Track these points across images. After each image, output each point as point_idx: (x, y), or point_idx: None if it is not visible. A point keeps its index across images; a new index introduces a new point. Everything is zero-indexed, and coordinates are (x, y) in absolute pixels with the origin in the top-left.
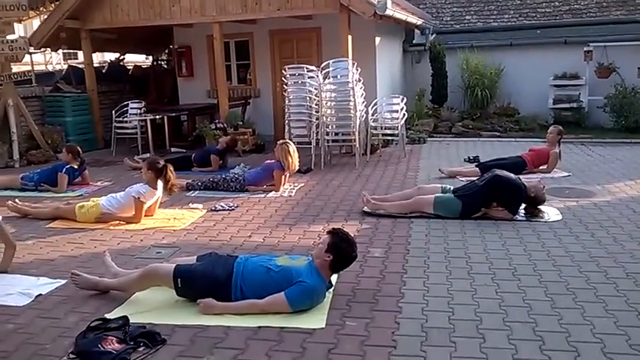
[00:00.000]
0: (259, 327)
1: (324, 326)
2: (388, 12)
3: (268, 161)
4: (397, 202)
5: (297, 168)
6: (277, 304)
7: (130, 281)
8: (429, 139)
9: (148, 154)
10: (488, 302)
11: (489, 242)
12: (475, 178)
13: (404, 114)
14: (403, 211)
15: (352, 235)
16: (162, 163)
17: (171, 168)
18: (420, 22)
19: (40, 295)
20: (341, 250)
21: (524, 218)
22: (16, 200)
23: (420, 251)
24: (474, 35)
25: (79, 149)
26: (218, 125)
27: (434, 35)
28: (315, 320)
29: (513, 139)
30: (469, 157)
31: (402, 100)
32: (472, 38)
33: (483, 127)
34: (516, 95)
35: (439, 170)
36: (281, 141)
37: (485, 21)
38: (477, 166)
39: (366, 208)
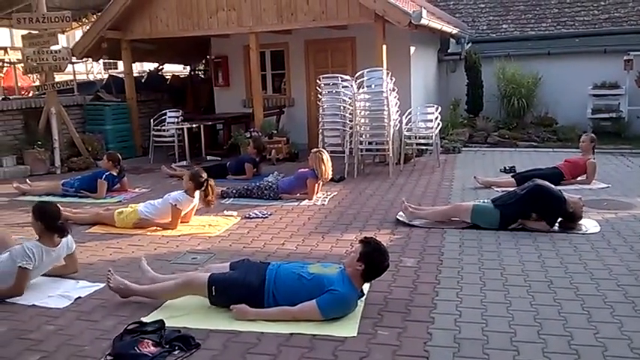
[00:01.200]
0: (291, 334)
1: (355, 335)
2: (423, 21)
3: (302, 170)
4: (434, 210)
5: (330, 176)
6: (309, 311)
7: (164, 290)
8: (463, 148)
9: (185, 162)
10: (523, 314)
11: (525, 254)
12: (512, 189)
13: (438, 123)
14: (440, 218)
15: (384, 244)
16: (204, 177)
17: (212, 183)
18: (455, 31)
19: (80, 297)
20: (373, 260)
21: (561, 230)
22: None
23: (453, 262)
24: (511, 44)
25: (119, 157)
26: (253, 134)
27: (469, 44)
28: (347, 329)
29: (551, 150)
30: (505, 168)
31: (437, 109)
32: (509, 47)
33: (520, 136)
34: (554, 105)
35: (474, 178)
36: (315, 149)
37: (522, 29)
38: (513, 176)
39: (400, 216)
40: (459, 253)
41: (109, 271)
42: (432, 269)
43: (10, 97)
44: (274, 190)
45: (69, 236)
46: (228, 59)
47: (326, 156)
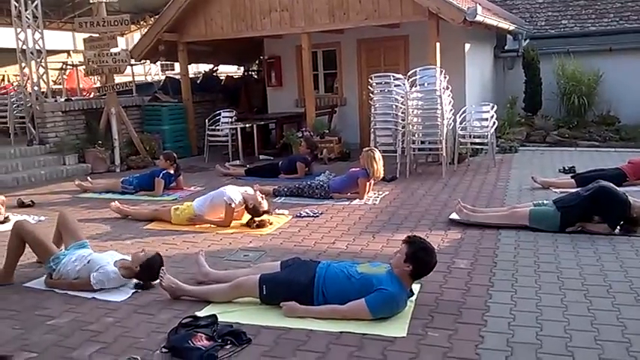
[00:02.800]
0: (341, 332)
1: (405, 335)
2: (478, 18)
3: (353, 169)
4: (491, 214)
5: (381, 175)
6: (358, 310)
7: (215, 293)
8: (520, 148)
9: (238, 161)
10: (580, 319)
11: (583, 257)
12: (573, 190)
13: (494, 122)
14: (497, 222)
15: (437, 245)
16: (262, 210)
17: (268, 221)
18: (512, 27)
19: (137, 291)
20: (420, 259)
21: (622, 233)
22: (116, 202)
23: (508, 264)
24: (571, 40)
25: (175, 156)
26: (305, 133)
27: (527, 41)
28: (397, 329)
29: (613, 149)
30: (564, 168)
31: (493, 107)
32: (568, 43)
33: (580, 136)
34: (616, 103)
35: (532, 178)
36: (367, 148)
37: (583, 25)
38: (572, 177)
39: (454, 216)
40: (514, 256)
41: (162, 269)
42: (486, 271)
43: (73, 98)
44: (325, 189)
45: None
46: (280, 59)
47: (378, 155)
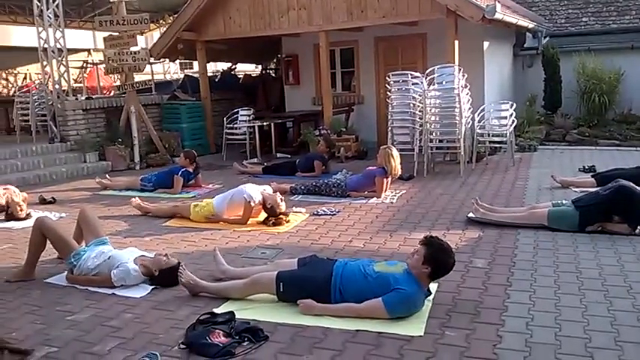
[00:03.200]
0: (357, 330)
1: (422, 334)
2: (497, 16)
3: (370, 167)
4: (508, 214)
5: (399, 173)
6: (374, 309)
7: (233, 289)
8: (540, 147)
9: (256, 159)
10: (599, 320)
11: (603, 257)
12: (593, 189)
13: (513, 120)
14: (514, 222)
15: (454, 244)
16: (279, 212)
17: (284, 218)
18: (531, 25)
19: (156, 288)
20: (438, 260)
21: None
22: (137, 198)
23: (526, 264)
24: (591, 38)
25: (195, 154)
26: (322, 132)
27: (547, 38)
28: (414, 328)
29: (634, 148)
30: (584, 167)
31: (512, 105)
32: (589, 41)
33: (601, 134)
34: (638, 101)
35: (551, 177)
36: (384, 146)
37: (604, 23)
38: (592, 176)
39: (471, 215)
40: (533, 255)
41: (181, 266)
42: (504, 271)
43: (93, 97)
44: (342, 187)
45: None
46: (298, 58)
47: (395, 152)
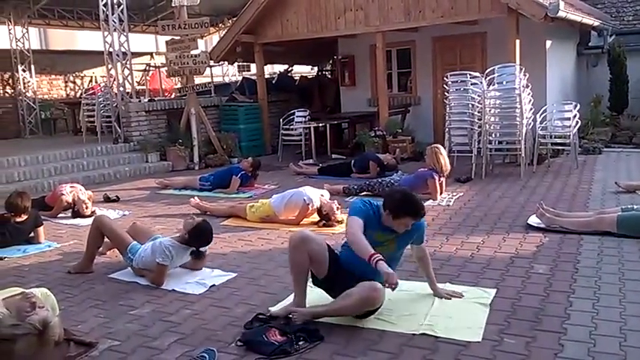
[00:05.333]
0: (414, 334)
1: (480, 340)
2: (561, 14)
3: (421, 169)
4: (575, 219)
5: (448, 168)
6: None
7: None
8: (605, 149)
9: (311, 160)
10: None
11: None
12: None
13: (577, 122)
14: (581, 229)
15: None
16: (334, 220)
17: (338, 219)
18: (596, 23)
19: (214, 285)
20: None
21: None
22: (196, 198)
23: (590, 270)
24: None
25: (260, 164)
26: (377, 133)
27: (613, 37)
28: (472, 333)
29: None
30: None
31: (575, 106)
32: None
33: None
34: None
35: (615, 184)
36: (430, 146)
37: None
38: None
39: (532, 220)
40: (597, 262)
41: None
42: (567, 277)
43: (155, 99)
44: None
45: None
46: (354, 59)
47: (442, 149)
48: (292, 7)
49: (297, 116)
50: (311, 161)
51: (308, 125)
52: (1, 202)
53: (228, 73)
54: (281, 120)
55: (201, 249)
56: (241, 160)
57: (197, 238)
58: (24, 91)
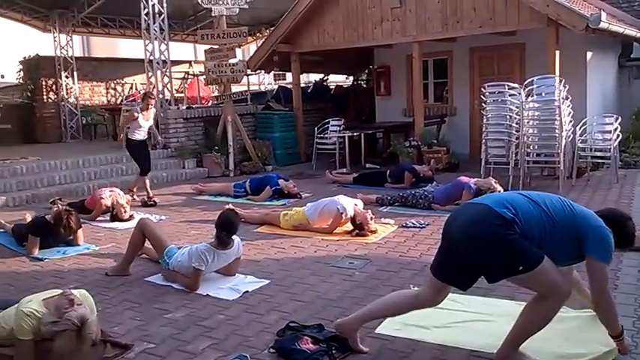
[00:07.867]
0: (447, 347)
1: None
2: (602, 25)
3: (462, 177)
4: None
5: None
6: None
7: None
8: None
9: (345, 169)
10: None
11: None
12: None
13: (618, 135)
14: None
15: None
16: (368, 229)
17: (372, 229)
18: (639, 34)
19: (247, 291)
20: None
21: None
22: (230, 204)
23: (630, 287)
24: None
25: (296, 190)
26: (412, 143)
27: None
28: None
29: None
30: None
31: (616, 119)
32: None
33: None
34: None
35: None
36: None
37: None
38: None
39: None
40: (638, 279)
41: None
42: None
43: (193, 106)
44: (430, 199)
45: (239, 244)
46: (390, 69)
47: (499, 187)
48: (329, 17)
49: (331, 125)
50: (344, 170)
51: (342, 134)
52: (43, 204)
53: (264, 81)
54: (316, 129)
55: (232, 241)
56: (281, 176)
57: (223, 227)
58: (66, 97)
